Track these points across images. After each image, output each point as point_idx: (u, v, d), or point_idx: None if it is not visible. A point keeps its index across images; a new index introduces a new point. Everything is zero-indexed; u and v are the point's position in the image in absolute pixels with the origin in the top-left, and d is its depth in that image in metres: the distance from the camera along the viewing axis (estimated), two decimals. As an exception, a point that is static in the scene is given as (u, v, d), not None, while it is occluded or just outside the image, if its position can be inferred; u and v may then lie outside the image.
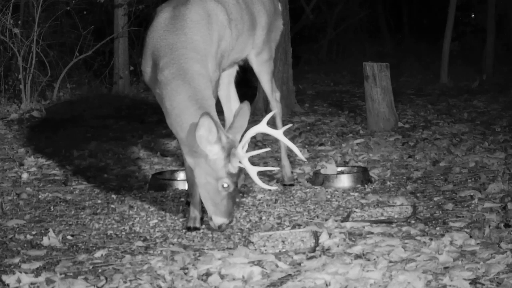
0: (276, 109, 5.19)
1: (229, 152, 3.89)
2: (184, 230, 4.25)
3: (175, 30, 4.26)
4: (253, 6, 4.85)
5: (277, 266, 3.56)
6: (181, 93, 4.06)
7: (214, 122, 3.81)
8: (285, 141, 4.20)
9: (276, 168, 4.29)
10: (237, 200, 4.34)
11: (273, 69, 5.18)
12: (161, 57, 4.21)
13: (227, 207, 3.94)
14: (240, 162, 3.89)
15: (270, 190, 4.95)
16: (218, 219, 3.95)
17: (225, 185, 3.90)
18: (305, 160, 4.74)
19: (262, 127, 4.02)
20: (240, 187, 4.08)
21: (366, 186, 5.25)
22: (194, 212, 4.28)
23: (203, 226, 4.27)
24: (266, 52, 5.02)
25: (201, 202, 4.42)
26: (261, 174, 5.64)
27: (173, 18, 4.30)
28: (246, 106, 4.05)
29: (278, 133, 4.15)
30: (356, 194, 5.04)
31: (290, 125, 4.28)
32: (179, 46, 4.20)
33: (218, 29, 4.40)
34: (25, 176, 5.74)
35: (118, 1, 10.94)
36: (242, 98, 5.40)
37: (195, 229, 4.22)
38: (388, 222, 4.29)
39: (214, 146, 3.87)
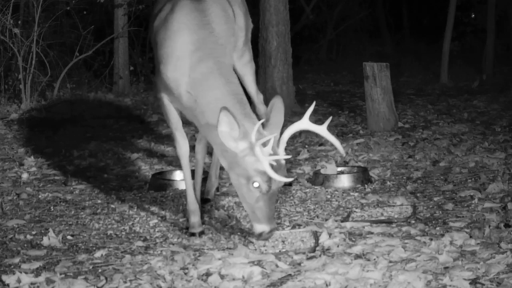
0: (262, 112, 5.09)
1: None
2: (184, 230, 4.24)
3: (204, 24, 4.10)
4: (233, 9, 4.81)
5: (277, 266, 3.56)
6: (218, 87, 3.91)
7: (235, 117, 3.63)
8: (329, 137, 3.86)
9: (289, 156, 3.98)
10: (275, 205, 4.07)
11: (255, 70, 5.10)
12: (193, 52, 4.02)
13: (264, 211, 3.74)
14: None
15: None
16: (257, 227, 3.77)
17: (256, 185, 3.71)
18: (345, 155, 4.31)
19: (303, 124, 3.81)
20: (279, 189, 3.83)
21: (366, 186, 5.25)
22: (195, 216, 4.22)
23: (204, 226, 4.26)
24: (247, 53, 4.95)
25: (201, 201, 4.42)
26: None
27: (196, 11, 4.14)
28: (279, 100, 3.86)
29: (322, 129, 3.84)
30: (356, 194, 5.04)
31: (330, 117, 3.96)
32: (211, 40, 4.06)
33: (231, 25, 4.33)
34: (25, 176, 5.74)
35: (118, 1, 10.94)
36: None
37: (201, 233, 4.15)
38: (388, 222, 4.29)
39: (239, 142, 3.71)
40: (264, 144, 3.67)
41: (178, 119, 4.33)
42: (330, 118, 3.92)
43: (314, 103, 3.90)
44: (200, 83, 3.95)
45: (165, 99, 4.26)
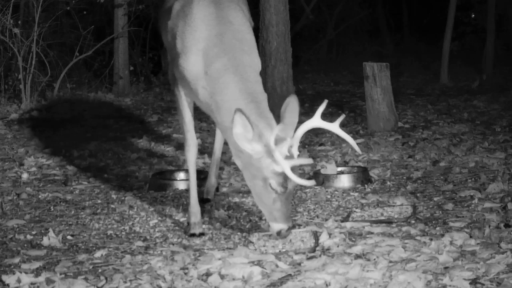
0: None
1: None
2: (185, 225, 4.24)
3: (221, 19, 4.03)
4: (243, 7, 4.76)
5: (277, 266, 3.56)
6: (232, 85, 3.84)
7: (249, 119, 3.57)
8: (342, 134, 3.83)
9: (310, 161, 3.87)
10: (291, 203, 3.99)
11: None
12: (210, 47, 3.96)
13: (281, 211, 3.67)
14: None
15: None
16: (274, 225, 3.71)
17: (273, 186, 3.67)
18: (360, 152, 4.20)
19: (315, 122, 3.75)
20: (295, 189, 3.76)
21: (366, 186, 5.25)
22: (196, 217, 4.22)
23: (204, 226, 4.26)
24: None
25: (199, 201, 4.40)
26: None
27: (214, 5, 4.06)
28: (294, 99, 3.79)
29: (334, 126, 3.79)
30: (356, 194, 5.04)
31: (343, 115, 3.91)
32: (228, 36, 3.99)
33: (247, 21, 4.25)
34: (25, 176, 5.74)
35: (118, 1, 10.95)
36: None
37: (201, 234, 4.15)
38: (388, 222, 4.29)
39: (254, 144, 3.65)
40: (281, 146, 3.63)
41: (191, 120, 4.30)
42: (343, 115, 3.88)
43: (325, 101, 3.84)
44: (216, 80, 3.88)
45: (182, 92, 4.22)
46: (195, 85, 4.01)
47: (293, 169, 3.65)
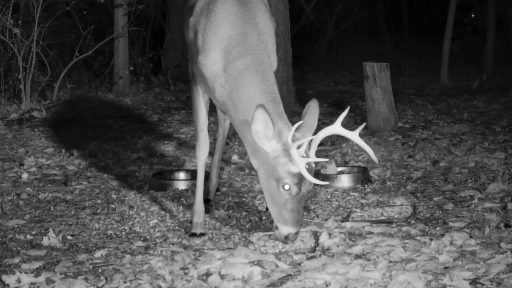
0: None
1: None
2: (188, 233, 4.24)
3: (246, 18, 4.00)
4: None
5: (277, 266, 3.56)
6: (253, 85, 3.83)
7: (270, 116, 3.57)
8: (361, 144, 3.82)
9: (326, 160, 3.87)
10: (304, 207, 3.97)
11: None
12: (233, 46, 3.93)
13: (292, 214, 3.64)
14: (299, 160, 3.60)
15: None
16: (283, 229, 3.68)
17: (286, 187, 3.62)
18: (377, 161, 4.27)
19: (336, 128, 3.79)
20: (308, 193, 3.75)
21: (366, 186, 5.25)
22: (199, 217, 4.22)
23: (207, 226, 4.26)
24: None
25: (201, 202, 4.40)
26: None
27: (240, 5, 4.04)
28: (315, 103, 3.84)
29: (354, 135, 3.80)
30: (356, 194, 5.04)
31: (364, 124, 3.93)
32: (253, 36, 3.96)
33: (273, 21, 4.24)
34: (25, 176, 5.74)
35: (118, 1, 10.94)
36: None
37: (202, 235, 4.15)
38: (388, 222, 4.29)
39: (272, 142, 3.65)
40: (298, 146, 3.63)
41: (206, 119, 4.29)
42: (364, 124, 3.88)
43: (347, 108, 3.87)
44: (235, 78, 3.87)
45: (200, 90, 4.22)
46: (213, 82, 3.99)
47: (308, 171, 3.64)
